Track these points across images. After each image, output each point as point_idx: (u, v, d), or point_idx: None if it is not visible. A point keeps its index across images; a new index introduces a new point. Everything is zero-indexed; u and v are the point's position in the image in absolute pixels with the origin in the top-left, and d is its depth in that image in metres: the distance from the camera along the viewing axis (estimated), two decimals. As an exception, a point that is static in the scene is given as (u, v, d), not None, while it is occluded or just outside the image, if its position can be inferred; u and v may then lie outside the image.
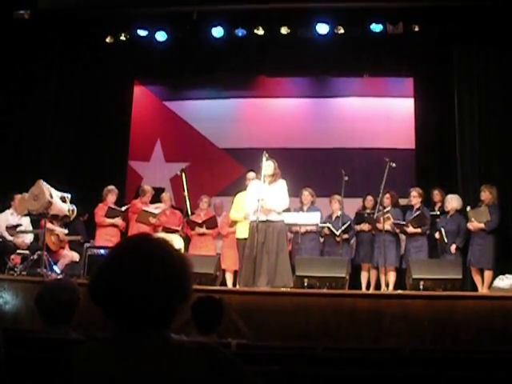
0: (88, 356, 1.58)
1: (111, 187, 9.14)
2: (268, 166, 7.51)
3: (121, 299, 1.55)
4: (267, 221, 7.39)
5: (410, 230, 8.59)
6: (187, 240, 9.01)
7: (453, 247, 8.32)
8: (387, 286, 8.18)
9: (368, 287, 8.89)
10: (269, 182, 7.52)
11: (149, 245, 1.64)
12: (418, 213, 8.56)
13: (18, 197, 8.50)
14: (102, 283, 1.59)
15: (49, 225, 8.16)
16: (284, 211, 7.68)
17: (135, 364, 1.51)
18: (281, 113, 11.53)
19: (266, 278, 7.16)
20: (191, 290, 1.65)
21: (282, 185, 7.55)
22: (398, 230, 8.74)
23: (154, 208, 9.08)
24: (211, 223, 9.00)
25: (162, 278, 1.57)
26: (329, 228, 8.97)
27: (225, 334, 3.94)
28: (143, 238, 1.69)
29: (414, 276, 7.40)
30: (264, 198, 7.29)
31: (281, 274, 7.24)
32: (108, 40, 10.53)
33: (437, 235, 8.51)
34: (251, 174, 8.34)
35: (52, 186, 7.95)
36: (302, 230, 8.87)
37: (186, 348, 1.57)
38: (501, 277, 7.31)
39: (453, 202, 8.58)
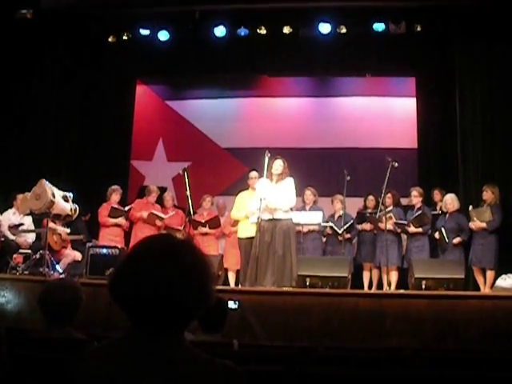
0: (98, 355, 1.55)
1: (115, 187, 9.15)
2: (278, 164, 7.50)
3: (144, 300, 1.52)
4: (273, 219, 7.38)
5: (412, 229, 8.59)
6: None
7: (456, 239, 8.32)
8: (389, 285, 8.17)
9: (370, 287, 8.89)
10: (276, 180, 7.52)
11: (175, 245, 1.61)
12: (418, 212, 8.56)
13: (20, 196, 8.51)
14: (124, 282, 1.56)
15: (51, 224, 8.16)
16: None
17: (148, 367, 1.49)
18: (283, 112, 11.55)
19: (272, 278, 7.15)
20: (214, 294, 1.62)
21: (289, 182, 7.52)
22: (399, 230, 8.74)
23: (165, 216, 9.07)
24: (214, 223, 9.00)
25: (188, 279, 1.55)
26: (331, 227, 8.98)
27: (229, 334, 3.94)
28: (169, 238, 1.64)
29: (416, 275, 7.40)
30: (267, 197, 7.28)
31: (287, 274, 7.23)
32: (110, 39, 10.56)
33: (436, 235, 8.51)
34: (253, 174, 8.34)
35: (54, 185, 7.95)
36: (305, 229, 8.87)
37: (203, 359, 1.54)
38: (503, 276, 7.30)
39: (449, 201, 8.58)
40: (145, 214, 8.99)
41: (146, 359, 1.50)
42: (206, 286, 1.59)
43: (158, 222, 9.02)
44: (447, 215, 8.56)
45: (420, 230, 8.57)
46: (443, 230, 8.40)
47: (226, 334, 3.89)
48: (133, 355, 1.52)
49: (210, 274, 1.62)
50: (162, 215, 9.03)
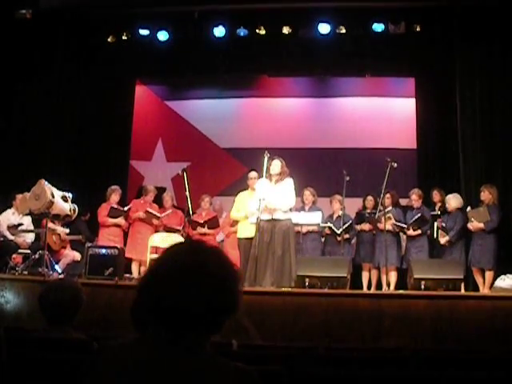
0: (119, 355, 1.56)
1: (115, 187, 9.16)
2: (275, 164, 7.50)
3: (173, 309, 1.53)
4: (273, 220, 7.38)
5: (410, 232, 8.62)
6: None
7: (444, 239, 8.36)
8: (388, 285, 8.18)
9: (369, 287, 8.89)
10: (275, 180, 7.51)
11: (205, 255, 1.61)
12: (418, 215, 8.54)
13: (19, 196, 8.51)
14: (152, 293, 1.57)
15: (50, 224, 8.16)
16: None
17: (169, 370, 1.50)
18: (282, 112, 11.55)
19: (271, 278, 7.15)
20: (241, 301, 1.63)
21: (288, 183, 7.52)
22: (397, 229, 8.75)
23: (161, 214, 9.09)
24: (213, 223, 9.00)
25: (217, 290, 1.56)
26: (330, 228, 8.98)
27: (228, 335, 3.94)
28: (198, 247, 1.65)
29: (416, 276, 7.41)
30: (266, 198, 7.28)
31: (286, 274, 7.23)
32: (110, 39, 10.54)
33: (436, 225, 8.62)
34: (253, 174, 8.34)
35: (53, 185, 7.96)
36: (304, 229, 8.88)
37: (220, 362, 1.56)
38: (502, 277, 7.31)
39: (451, 201, 8.61)
40: (142, 214, 9.01)
41: (166, 361, 1.51)
42: (233, 295, 1.60)
43: (155, 221, 9.03)
44: (449, 215, 8.60)
45: (419, 231, 8.59)
46: (435, 225, 8.45)
47: (224, 335, 3.88)
48: (153, 357, 1.52)
49: (236, 282, 1.63)
50: (158, 213, 9.03)
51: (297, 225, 8.47)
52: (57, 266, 8.13)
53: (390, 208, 8.74)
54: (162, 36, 10.37)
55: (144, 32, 10.38)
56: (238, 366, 1.57)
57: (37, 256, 7.83)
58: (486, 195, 8.27)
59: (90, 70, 10.70)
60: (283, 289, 7.00)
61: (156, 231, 9.04)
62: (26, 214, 8.54)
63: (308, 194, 9.07)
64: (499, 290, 7.08)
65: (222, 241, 9.30)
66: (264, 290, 6.86)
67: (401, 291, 7.67)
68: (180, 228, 9.00)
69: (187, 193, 8.48)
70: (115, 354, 1.57)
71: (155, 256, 8.63)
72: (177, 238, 8.74)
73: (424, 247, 8.62)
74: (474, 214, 8.25)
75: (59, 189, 8.03)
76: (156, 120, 11.93)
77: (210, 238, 9.03)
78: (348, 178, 8.75)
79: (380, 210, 8.44)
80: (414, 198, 8.84)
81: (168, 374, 1.49)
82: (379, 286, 8.67)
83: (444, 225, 8.52)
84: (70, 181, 9.41)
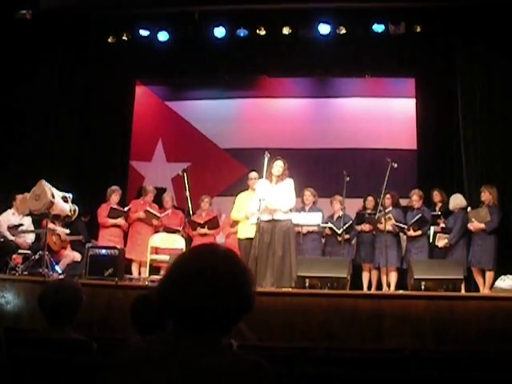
0: (139, 355, 1.60)
1: (115, 187, 9.16)
2: (278, 165, 7.49)
3: (191, 309, 1.60)
4: (273, 220, 7.38)
5: (411, 233, 8.62)
6: (189, 240, 9.00)
7: (442, 242, 8.38)
8: (388, 286, 8.18)
9: (369, 287, 8.89)
10: (276, 181, 7.51)
11: (218, 258, 1.66)
12: (418, 216, 8.54)
13: (19, 197, 8.51)
14: (170, 295, 1.63)
15: (50, 225, 8.16)
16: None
17: (188, 367, 1.54)
18: (282, 113, 11.54)
19: (271, 278, 7.16)
20: (255, 303, 1.70)
21: (289, 183, 7.53)
22: (397, 230, 8.75)
23: (161, 214, 9.09)
24: (213, 224, 8.99)
25: (232, 291, 1.62)
26: (330, 228, 8.98)
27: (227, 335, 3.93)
28: (212, 251, 1.70)
29: (416, 276, 7.40)
30: (266, 198, 7.27)
31: (286, 275, 7.22)
32: (110, 40, 10.53)
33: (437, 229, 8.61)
34: (253, 174, 8.33)
35: (53, 185, 7.95)
36: (304, 230, 8.87)
37: (240, 359, 1.61)
38: (502, 277, 7.31)
39: (453, 202, 8.63)
40: (142, 214, 9.02)
41: (187, 358, 1.56)
42: (246, 296, 1.67)
43: (155, 221, 9.03)
44: (451, 215, 8.62)
45: (419, 232, 8.59)
46: (432, 229, 8.45)
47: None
48: (175, 354, 1.57)
49: (249, 284, 1.69)
50: (157, 213, 9.04)
51: (297, 225, 8.46)
52: (57, 267, 8.13)
53: (390, 208, 8.73)
54: (162, 36, 10.36)
55: (144, 32, 10.37)
56: (252, 358, 1.62)
57: (37, 256, 7.84)
58: (486, 196, 8.27)
59: (90, 71, 10.68)
60: (283, 289, 7.00)
61: (156, 232, 9.05)
62: (27, 215, 8.54)
63: (308, 194, 9.07)
64: (499, 291, 7.08)
65: (222, 242, 9.29)
66: (264, 290, 6.84)
67: (401, 292, 7.67)
68: (180, 228, 9.00)
69: (187, 193, 8.49)
70: (137, 352, 1.62)
71: (155, 256, 8.66)
72: (177, 239, 8.75)
73: (424, 248, 8.61)
74: (474, 214, 8.25)
75: (59, 189, 8.02)
76: (156, 120, 11.92)
77: (210, 238, 9.04)
78: (348, 179, 8.75)
79: (380, 211, 8.44)
80: (415, 199, 8.83)
81: (190, 369, 1.53)
82: (379, 286, 8.67)
83: (444, 226, 8.53)
84: (70, 181, 9.40)
